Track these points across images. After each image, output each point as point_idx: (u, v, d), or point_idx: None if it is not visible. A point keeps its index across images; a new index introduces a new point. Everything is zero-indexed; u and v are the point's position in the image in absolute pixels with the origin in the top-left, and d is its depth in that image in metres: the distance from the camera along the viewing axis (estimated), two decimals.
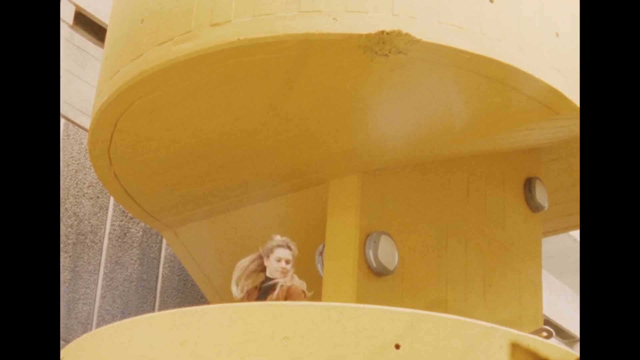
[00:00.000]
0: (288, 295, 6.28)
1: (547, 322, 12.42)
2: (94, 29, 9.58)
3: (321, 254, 7.46)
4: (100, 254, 8.92)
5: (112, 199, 9.11)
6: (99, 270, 8.90)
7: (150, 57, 6.64)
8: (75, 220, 8.86)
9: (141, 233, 9.25)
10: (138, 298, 9.00)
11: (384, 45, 6.32)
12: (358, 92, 6.76)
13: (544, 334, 6.99)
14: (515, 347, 5.51)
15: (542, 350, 5.57)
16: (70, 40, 9.26)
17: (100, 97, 7.09)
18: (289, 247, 6.45)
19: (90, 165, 8.56)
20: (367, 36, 6.28)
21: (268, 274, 6.50)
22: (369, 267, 7.19)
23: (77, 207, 8.90)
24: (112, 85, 6.92)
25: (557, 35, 7.04)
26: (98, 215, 9.07)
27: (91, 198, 9.05)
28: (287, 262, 6.39)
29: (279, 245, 6.45)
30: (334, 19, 6.28)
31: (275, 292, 6.30)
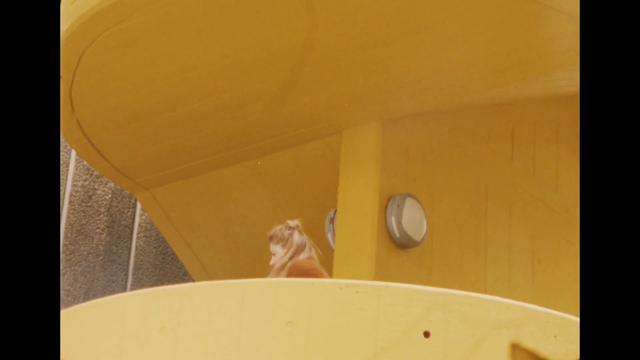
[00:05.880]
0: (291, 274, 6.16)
1: None
2: None
3: (332, 220, 7.26)
4: (59, 221, 8.73)
5: (73, 153, 8.82)
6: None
7: None
8: None
9: (110, 195, 9.08)
10: (106, 275, 8.84)
11: None
12: (380, 22, 6.41)
13: None
14: (515, 348, 5.14)
15: (542, 352, 5.18)
16: None
17: (60, 27, 6.73)
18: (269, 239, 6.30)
19: None
20: None
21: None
22: (391, 236, 7.00)
23: None
24: (74, 11, 6.62)
25: None
26: None
27: None
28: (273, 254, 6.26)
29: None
30: None
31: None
